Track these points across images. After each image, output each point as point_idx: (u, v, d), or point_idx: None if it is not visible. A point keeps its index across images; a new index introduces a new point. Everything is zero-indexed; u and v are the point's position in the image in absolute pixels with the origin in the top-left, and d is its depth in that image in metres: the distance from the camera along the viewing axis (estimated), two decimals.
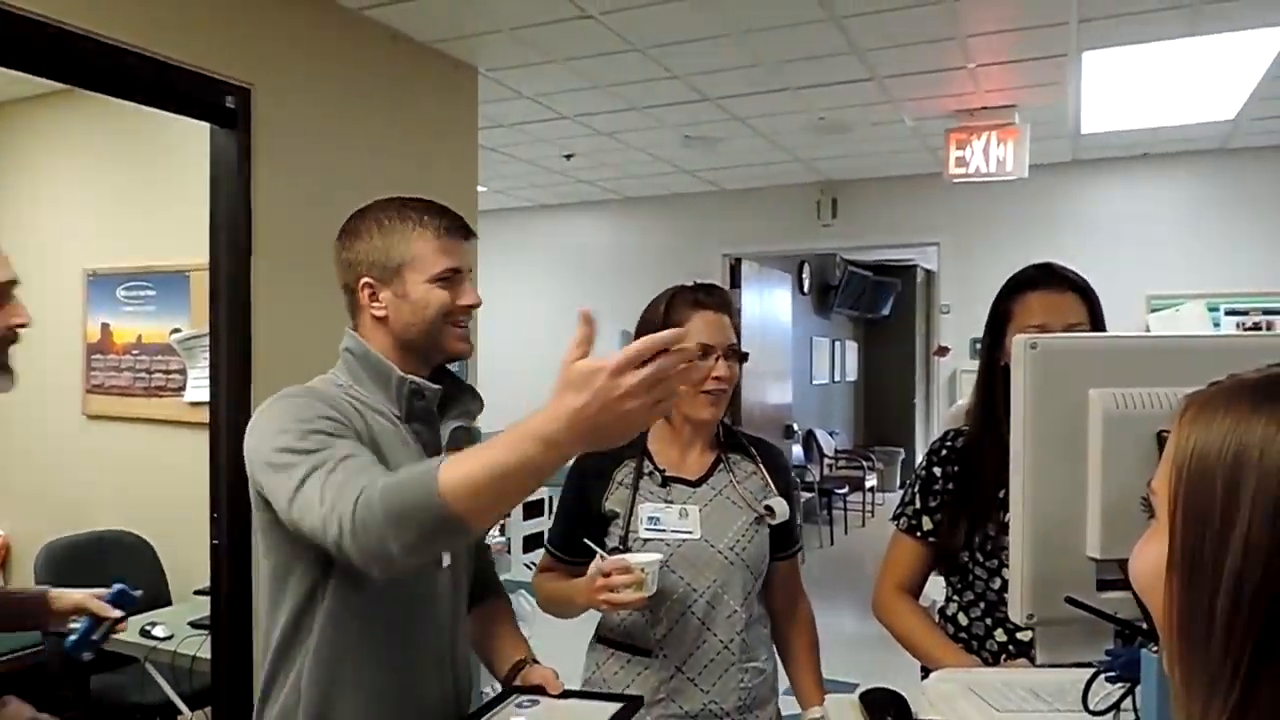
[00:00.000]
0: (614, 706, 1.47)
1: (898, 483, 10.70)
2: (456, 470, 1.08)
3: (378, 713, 1.38)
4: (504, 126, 4.91)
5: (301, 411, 1.29)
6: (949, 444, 1.75)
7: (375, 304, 1.43)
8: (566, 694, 1.51)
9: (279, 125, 2.81)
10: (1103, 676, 1.04)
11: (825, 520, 8.99)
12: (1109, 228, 5.64)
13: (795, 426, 8.43)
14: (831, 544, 8.73)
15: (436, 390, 1.46)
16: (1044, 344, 1.10)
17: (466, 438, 1.50)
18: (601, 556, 1.64)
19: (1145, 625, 0.97)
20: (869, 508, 9.80)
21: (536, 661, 1.60)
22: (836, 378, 11.19)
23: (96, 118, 4.04)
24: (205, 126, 2.75)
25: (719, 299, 1.80)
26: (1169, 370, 1.10)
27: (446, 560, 1.45)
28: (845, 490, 9.22)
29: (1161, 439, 1.08)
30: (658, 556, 1.64)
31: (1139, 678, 0.96)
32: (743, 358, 1.79)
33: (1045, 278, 1.66)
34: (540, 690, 1.51)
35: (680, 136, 5.19)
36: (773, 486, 1.82)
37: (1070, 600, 1.02)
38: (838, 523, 9.22)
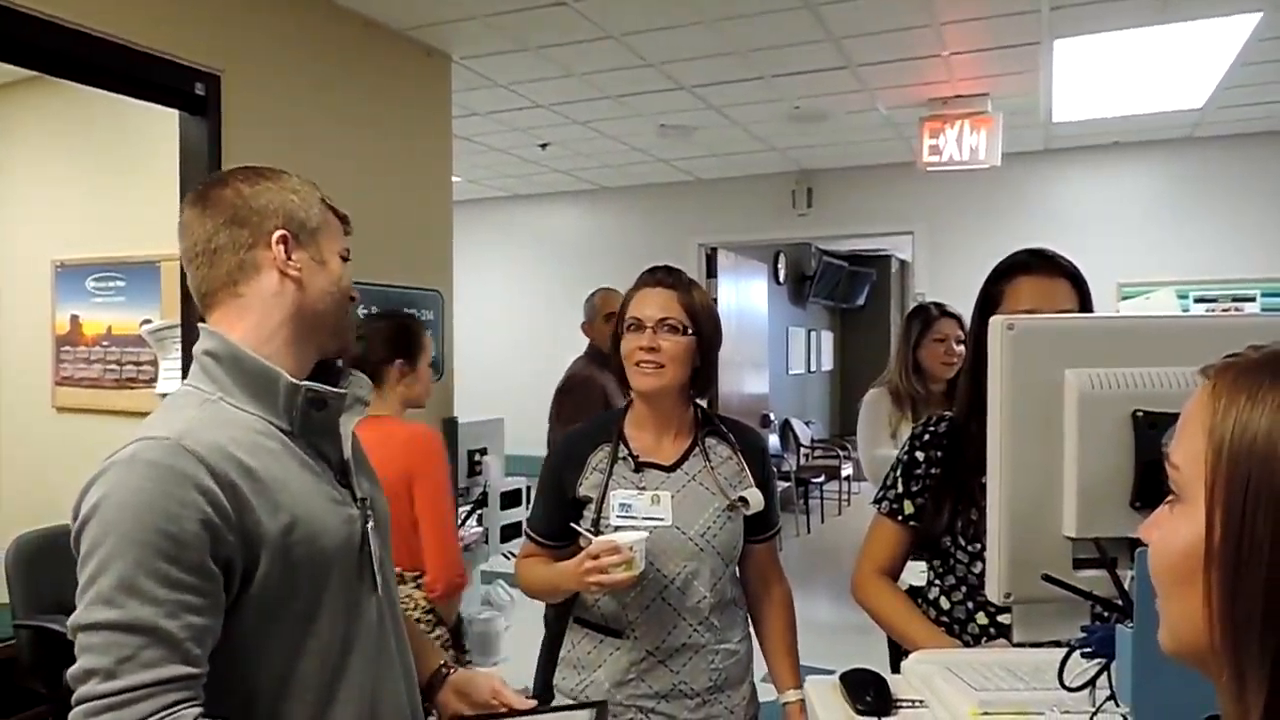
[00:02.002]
0: (584, 713, 1.41)
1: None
2: None
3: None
4: (478, 115, 4.87)
5: (149, 524, 0.99)
6: (932, 429, 1.75)
7: (290, 264, 1.17)
8: (532, 711, 1.39)
9: (249, 112, 2.77)
10: (1078, 653, 1.05)
11: (802, 509, 9.03)
12: (1080, 216, 5.70)
13: (772, 416, 8.47)
14: (808, 533, 8.78)
15: (341, 396, 1.20)
16: (1021, 325, 1.11)
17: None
18: (588, 539, 1.64)
19: (1120, 602, 0.99)
20: (845, 497, 9.86)
21: (454, 668, 1.43)
22: (812, 368, 11.25)
23: (63, 106, 3.98)
24: (174, 114, 2.71)
25: (660, 277, 1.81)
26: (1144, 350, 1.11)
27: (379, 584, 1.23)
28: (822, 479, 9.26)
29: (1136, 418, 1.10)
30: (643, 534, 1.65)
31: (1114, 654, 0.96)
32: (685, 332, 1.75)
33: (1037, 263, 1.65)
34: (501, 714, 1.35)
35: (656, 126, 5.18)
36: (749, 473, 1.83)
37: (1047, 578, 1.03)
38: (814, 512, 9.27)
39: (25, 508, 3.76)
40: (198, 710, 0.98)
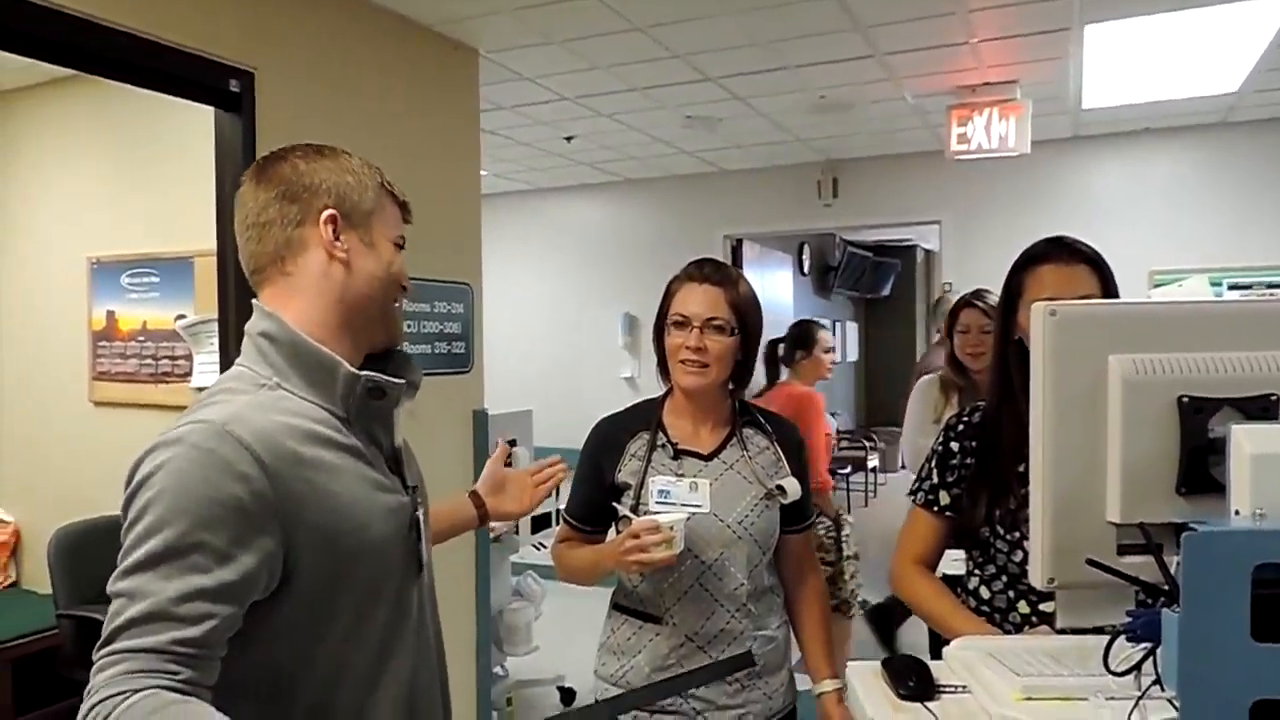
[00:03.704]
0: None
1: (899, 463, 10.72)
2: None
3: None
4: (504, 109, 4.89)
5: (182, 508, 0.99)
6: (965, 419, 1.76)
7: (336, 245, 1.15)
8: None
9: (282, 109, 2.80)
10: (1124, 638, 1.05)
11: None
12: (1110, 204, 5.63)
13: None
14: None
15: (400, 386, 1.17)
16: (1063, 311, 1.11)
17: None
18: (629, 519, 1.67)
19: (1166, 587, 0.99)
20: (871, 488, 9.83)
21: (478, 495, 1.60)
22: (838, 359, 11.19)
23: (98, 105, 4.04)
24: (208, 111, 2.74)
25: (708, 273, 1.80)
26: (1188, 336, 1.11)
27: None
28: (848, 470, 9.24)
29: (1182, 403, 1.09)
30: (684, 515, 1.67)
31: (1160, 638, 0.96)
32: (732, 333, 1.77)
33: (1056, 250, 1.66)
34: None
35: (681, 117, 5.17)
36: (785, 464, 1.84)
37: (1092, 563, 1.03)
38: (840, 503, 9.25)
39: (66, 500, 3.83)
40: (159, 682, 0.95)
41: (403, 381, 1.19)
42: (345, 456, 1.13)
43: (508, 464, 1.69)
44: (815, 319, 4.57)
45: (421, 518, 1.24)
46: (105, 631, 0.98)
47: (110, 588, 1.00)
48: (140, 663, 0.95)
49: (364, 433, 1.17)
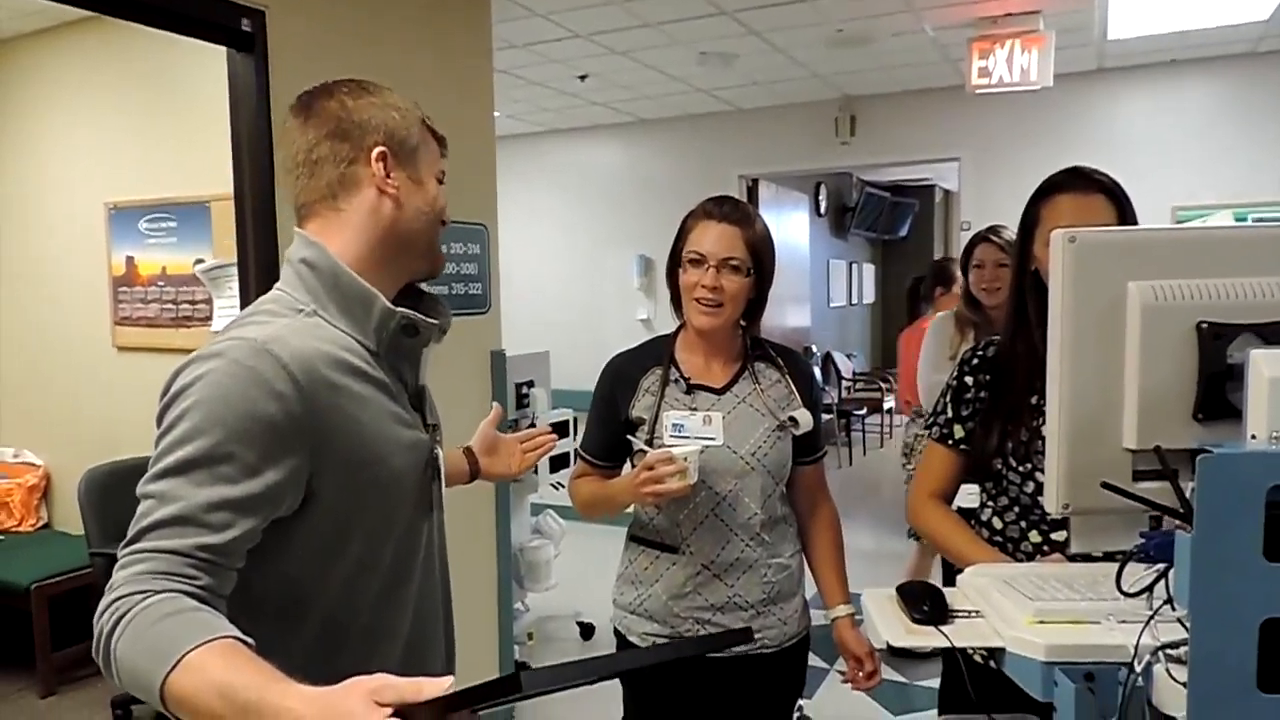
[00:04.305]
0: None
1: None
2: (190, 679, 0.89)
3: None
4: (516, 48, 4.83)
5: (217, 418, 1.02)
6: (980, 353, 1.76)
7: (389, 182, 1.17)
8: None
9: (294, 49, 2.78)
10: (1136, 564, 1.07)
11: (844, 442, 9.05)
12: (1134, 138, 5.53)
13: (814, 349, 8.44)
14: (850, 465, 8.81)
15: (433, 326, 1.20)
16: (1082, 238, 1.10)
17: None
18: (644, 452, 1.69)
19: (1181, 510, 0.99)
20: (887, 429, 9.86)
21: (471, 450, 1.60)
22: (854, 300, 11.15)
23: (110, 49, 4.01)
24: (220, 54, 2.72)
25: (727, 211, 1.79)
26: (1208, 262, 1.10)
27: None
28: (864, 412, 9.26)
29: (1201, 329, 1.09)
30: (697, 446, 1.70)
31: (1173, 560, 0.98)
32: (748, 273, 1.77)
33: (1072, 180, 1.65)
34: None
35: (696, 54, 5.09)
36: (797, 395, 1.85)
37: (1107, 486, 1.04)
38: (855, 444, 9.29)
39: (94, 443, 3.90)
40: (178, 585, 0.97)
41: (435, 322, 1.21)
42: (372, 388, 1.15)
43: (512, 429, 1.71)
44: (951, 258, 4.70)
45: (440, 456, 1.26)
46: (131, 530, 1.00)
47: (140, 489, 1.03)
48: (163, 564, 0.97)
49: (391, 369, 1.19)
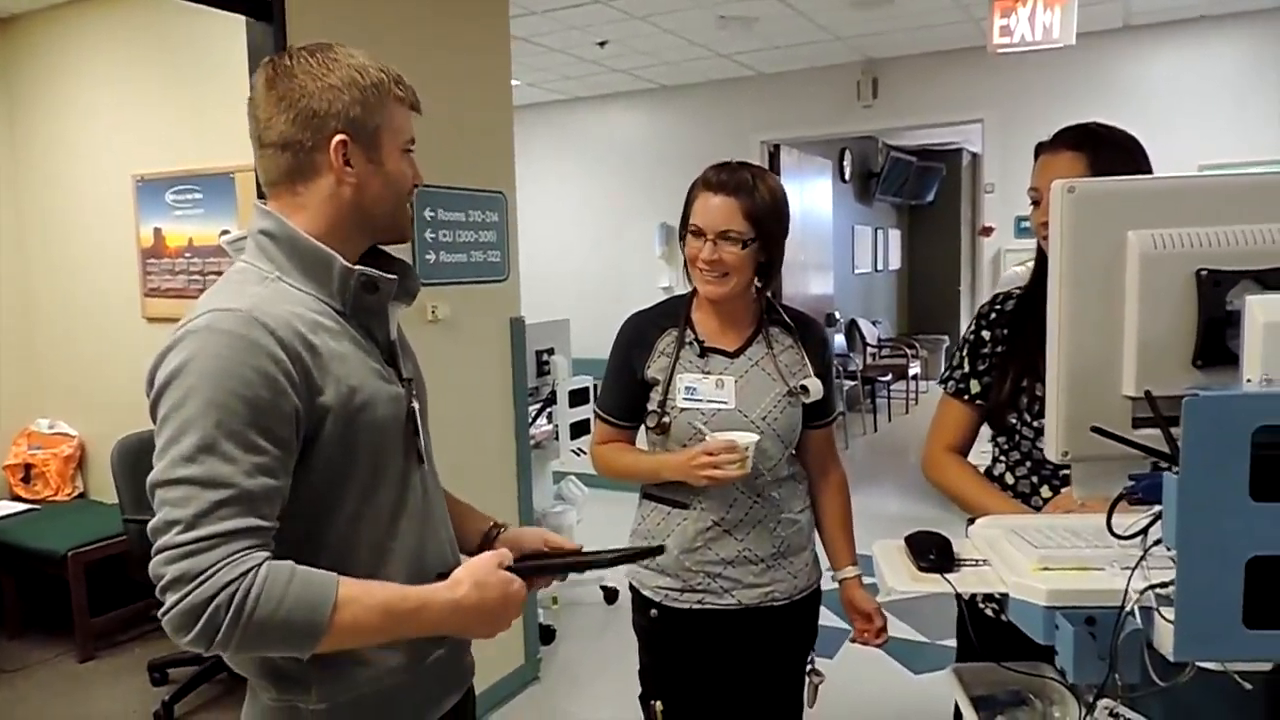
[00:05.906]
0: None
1: (942, 370, 10.67)
2: (351, 611, 1.07)
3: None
4: (535, 14, 4.82)
5: (229, 390, 1.05)
6: (997, 307, 1.76)
7: (347, 171, 1.19)
8: (588, 554, 1.43)
9: (313, 15, 2.80)
10: (1128, 503, 1.08)
11: (869, 409, 9.04)
12: (1159, 97, 5.44)
13: (838, 316, 8.42)
14: (875, 431, 8.81)
15: (392, 281, 1.24)
16: (1081, 188, 1.10)
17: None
18: (708, 436, 1.72)
19: (1170, 452, 1.01)
20: (913, 395, 9.83)
21: (504, 526, 1.50)
22: (879, 267, 11.08)
23: (134, 21, 4.06)
24: (241, 22, 2.75)
25: (724, 180, 1.76)
26: (1208, 210, 1.10)
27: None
28: (889, 379, 9.24)
29: (1200, 276, 1.10)
30: (755, 436, 1.72)
31: (1162, 500, 0.99)
32: (747, 244, 1.75)
33: (1053, 141, 1.65)
34: (558, 555, 1.42)
35: (715, 17, 5.06)
36: (809, 363, 1.87)
37: (1097, 430, 1.05)
38: (881, 410, 9.27)
39: (125, 412, 3.97)
40: (266, 554, 1.06)
41: (394, 278, 1.25)
42: (347, 343, 1.20)
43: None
44: None
45: (418, 409, 1.29)
46: (177, 514, 1.03)
47: (167, 473, 1.05)
48: (239, 543, 1.03)
49: (360, 326, 1.23)
